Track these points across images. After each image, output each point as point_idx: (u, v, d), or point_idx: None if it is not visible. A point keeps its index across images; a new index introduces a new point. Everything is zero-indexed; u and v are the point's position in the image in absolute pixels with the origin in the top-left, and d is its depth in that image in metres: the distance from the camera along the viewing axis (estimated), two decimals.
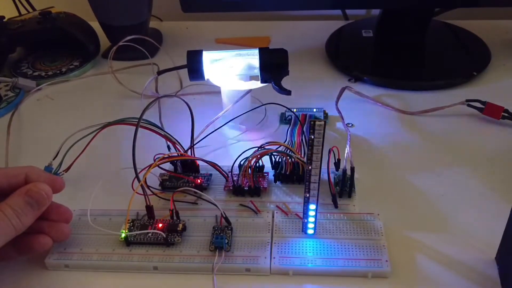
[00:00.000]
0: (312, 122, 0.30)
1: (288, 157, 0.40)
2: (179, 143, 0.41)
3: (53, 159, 0.43)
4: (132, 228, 0.36)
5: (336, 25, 0.70)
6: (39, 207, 0.33)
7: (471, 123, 0.49)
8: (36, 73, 0.62)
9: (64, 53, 0.65)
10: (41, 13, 0.64)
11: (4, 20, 0.64)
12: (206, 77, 0.46)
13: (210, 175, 0.42)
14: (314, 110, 0.50)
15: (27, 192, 0.32)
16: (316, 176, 0.32)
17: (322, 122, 0.29)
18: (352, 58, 0.62)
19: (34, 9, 0.76)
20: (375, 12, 0.72)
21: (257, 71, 0.45)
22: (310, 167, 0.32)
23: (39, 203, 0.32)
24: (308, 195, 0.33)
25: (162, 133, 0.40)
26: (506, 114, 0.48)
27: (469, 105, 0.50)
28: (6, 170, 0.35)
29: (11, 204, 0.31)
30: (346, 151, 0.39)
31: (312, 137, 0.30)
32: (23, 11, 0.77)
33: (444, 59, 0.61)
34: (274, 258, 0.34)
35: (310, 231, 0.36)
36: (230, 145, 0.48)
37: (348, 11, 0.76)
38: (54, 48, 0.66)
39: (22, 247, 0.34)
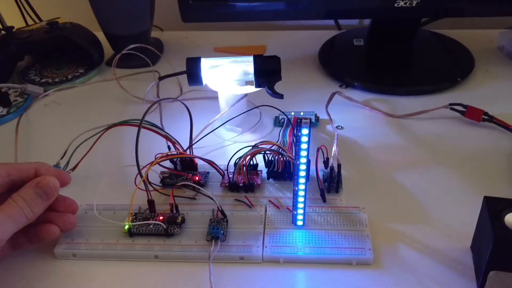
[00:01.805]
0: (298, 120, 0.33)
1: (280, 156, 0.43)
2: (178, 143, 0.44)
3: (61, 159, 0.46)
4: (134, 220, 0.39)
5: (329, 35, 0.73)
6: (48, 197, 0.36)
7: (454, 125, 0.52)
8: (43, 80, 0.65)
9: (70, 61, 0.69)
10: (48, 23, 0.67)
11: (13, 30, 0.67)
12: (204, 82, 0.49)
13: (208, 172, 0.45)
14: (302, 113, 0.54)
15: (37, 184, 0.35)
16: (304, 171, 0.35)
17: (308, 120, 0.32)
18: (344, 65, 0.65)
19: (40, 20, 0.79)
20: (367, 22, 0.76)
21: (251, 77, 0.48)
22: (298, 162, 0.35)
23: (48, 194, 0.35)
24: (296, 188, 0.36)
25: (163, 133, 0.43)
26: (486, 117, 0.51)
27: (452, 109, 0.53)
28: (18, 165, 0.38)
29: (23, 195, 0.34)
30: (333, 150, 0.42)
31: (299, 133, 0.33)
32: (30, 22, 0.81)
33: (430, 66, 0.64)
34: (266, 247, 0.37)
35: (300, 223, 0.39)
36: (226, 146, 0.51)
37: (340, 21, 0.80)
38: (60, 56, 0.69)
39: (32, 236, 0.37)
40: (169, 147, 0.45)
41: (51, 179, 0.36)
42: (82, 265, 0.38)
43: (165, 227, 0.38)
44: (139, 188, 0.39)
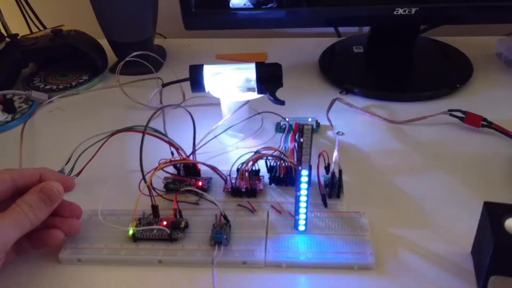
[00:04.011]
0: (301, 127, 0.33)
1: (282, 161, 0.44)
2: (181, 148, 0.45)
3: (65, 164, 0.47)
4: (139, 225, 0.40)
5: (329, 42, 0.74)
6: (52, 203, 0.36)
7: (453, 131, 0.53)
8: (47, 87, 0.66)
9: (74, 68, 0.69)
10: (52, 31, 0.68)
11: (18, 37, 0.68)
12: (206, 89, 0.50)
13: (210, 178, 0.46)
14: (309, 119, 0.54)
15: (41, 189, 0.36)
16: (306, 176, 0.36)
17: (310, 126, 0.33)
18: (344, 72, 0.66)
19: (45, 28, 0.80)
20: (366, 29, 0.77)
21: (253, 83, 0.49)
22: (300, 167, 0.35)
23: (52, 199, 0.36)
24: (298, 193, 0.37)
25: (166, 139, 0.44)
26: (485, 123, 0.52)
27: (451, 115, 0.54)
28: (22, 170, 0.38)
29: (27, 200, 0.35)
30: (334, 155, 0.43)
31: (301, 139, 0.34)
32: (34, 29, 0.81)
33: (429, 73, 0.65)
34: (268, 252, 0.38)
35: (302, 228, 0.39)
36: (229, 152, 0.51)
37: (340, 29, 0.81)
38: (64, 63, 0.70)
39: (36, 241, 0.37)
40: (172, 153, 0.46)
41: (55, 184, 0.37)
42: (87, 270, 0.38)
43: (168, 232, 0.39)
44: (143, 193, 0.39)
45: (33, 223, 0.35)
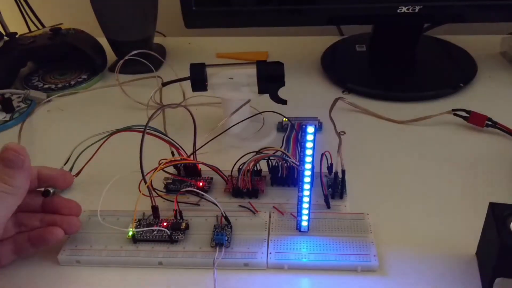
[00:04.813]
0: (303, 126, 0.33)
1: (284, 162, 0.43)
2: (182, 148, 0.44)
3: (64, 164, 0.46)
4: (138, 226, 0.39)
5: (331, 40, 0.74)
6: (17, 163, 0.33)
7: (457, 131, 0.52)
8: (46, 86, 0.65)
9: (72, 67, 0.69)
10: (51, 30, 0.67)
11: (16, 36, 0.68)
12: (207, 88, 0.49)
13: (211, 178, 0.45)
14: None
15: (0, 156, 0.34)
16: (308, 176, 0.35)
17: (313, 126, 0.32)
18: (346, 71, 0.65)
19: (43, 26, 0.80)
20: (369, 27, 0.76)
21: (255, 82, 0.48)
22: (302, 168, 0.35)
23: (13, 160, 0.33)
24: (301, 194, 0.36)
25: (167, 139, 0.43)
26: (489, 122, 0.51)
27: (455, 114, 0.53)
28: None
29: None
30: (337, 156, 0.42)
31: (304, 139, 0.33)
32: (33, 28, 0.81)
33: (433, 71, 0.65)
34: (270, 253, 0.37)
35: (304, 229, 0.38)
36: (230, 152, 0.51)
37: (342, 27, 0.80)
38: (63, 62, 0.69)
39: (36, 239, 0.37)
40: (172, 153, 0.45)
41: (11, 145, 0.34)
42: (86, 272, 0.37)
43: (169, 233, 0.38)
44: (143, 194, 0.39)
45: (10, 192, 0.33)
